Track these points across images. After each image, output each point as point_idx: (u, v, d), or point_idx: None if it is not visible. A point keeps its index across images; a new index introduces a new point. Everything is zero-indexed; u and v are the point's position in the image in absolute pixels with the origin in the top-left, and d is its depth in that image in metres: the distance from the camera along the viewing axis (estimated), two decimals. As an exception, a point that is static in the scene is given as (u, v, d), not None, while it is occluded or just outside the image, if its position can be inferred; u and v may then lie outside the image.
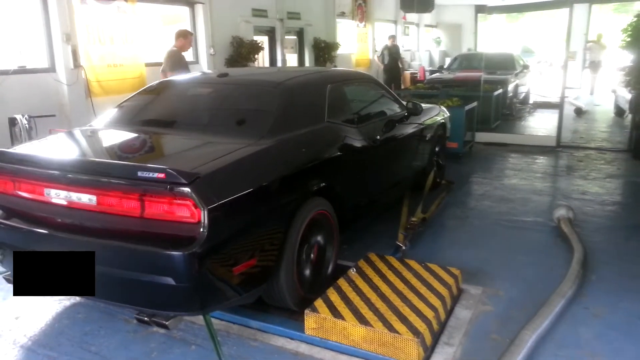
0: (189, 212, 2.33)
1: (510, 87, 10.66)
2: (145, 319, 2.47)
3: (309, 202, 3.08)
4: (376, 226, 4.44)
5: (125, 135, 3.30)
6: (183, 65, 6.02)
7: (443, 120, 5.78)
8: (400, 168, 4.71)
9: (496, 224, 4.67)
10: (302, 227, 2.99)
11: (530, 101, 12.69)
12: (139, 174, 2.39)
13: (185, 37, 6.59)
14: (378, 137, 4.06)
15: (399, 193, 4.83)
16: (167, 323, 2.42)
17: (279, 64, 9.71)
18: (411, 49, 17.15)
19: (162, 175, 2.33)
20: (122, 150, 3.10)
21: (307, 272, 3.17)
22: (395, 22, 15.58)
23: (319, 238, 3.30)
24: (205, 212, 2.30)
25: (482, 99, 8.74)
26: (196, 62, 7.84)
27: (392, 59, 11.03)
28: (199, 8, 7.81)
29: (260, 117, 3.24)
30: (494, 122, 9.11)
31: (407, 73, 15.07)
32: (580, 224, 4.49)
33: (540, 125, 10.20)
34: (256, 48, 8.51)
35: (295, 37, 10.45)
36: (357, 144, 3.77)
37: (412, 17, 16.72)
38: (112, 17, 6.39)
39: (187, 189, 2.31)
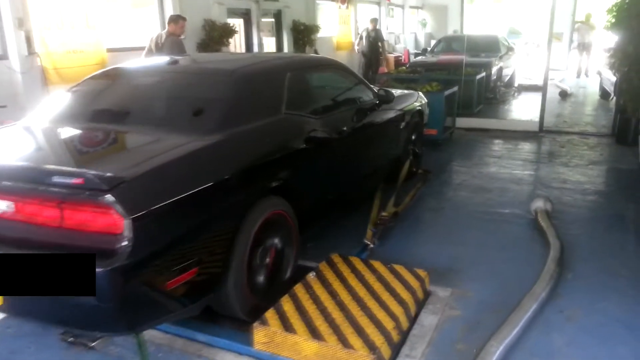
0: (110, 222, 2.06)
1: (494, 70, 10.40)
2: (70, 339, 2.22)
3: (262, 202, 2.83)
4: (348, 220, 4.20)
5: (55, 132, 2.99)
6: (178, 52, 6.03)
7: (420, 107, 5.53)
8: (372, 159, 4.46)
9: (472, 217, 4.45)
10: (254, 230, 2.74)
11: (516, 84, 12.45)
12: (55, 179, 2.12)
13: (176, 22, 6.43)
14: (345, 128, 3.80)
15: (372, 185, 4.59)
16: (92, 345, 2.18)
17: (256, 48, 9.36)
18: (395, 32, 16.77)
19: (79, 181, 2.07)
20: (48, 150, 2.81)
21: (261, 278, 2.93)
22: (378, 3, 15.20)
23: (276, 240, 3.05)
24: (129, 222, 2.04)
25: (463, 83, 8.50)
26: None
27: (373, 44, 10.67)
28: (168, -11, 7.43)
29: (209, 109, 2.95)
30: (476, 107, 8.87)
31: (391, 56, 14.75)
32: (559, 216, 4.29)
33: (524, 109, 9.96)
34: (229, 32, 8.15)
35: (272, 19, 10.07)
36: (321, 136, 3.51)
37: (396, -2, 16.36)
38: None
39: (108, 196, 2.04)
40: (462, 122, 8.06)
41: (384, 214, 4.13)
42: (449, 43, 12.38)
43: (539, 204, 4.22)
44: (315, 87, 3.93)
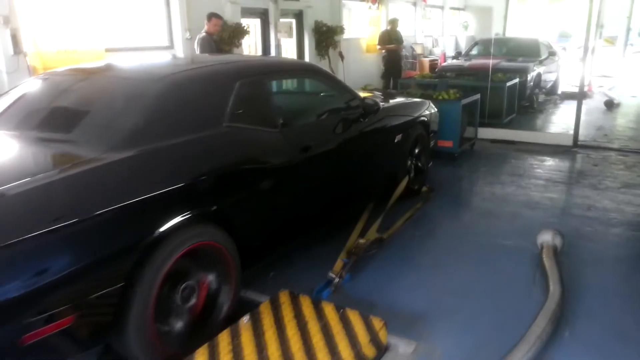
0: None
1: (532, 76, 9.59)
2: None
3: (179, 233, 2.38)
4: (324, 244, 3.71)
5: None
6: (209, 51, 6.13)
7: (424, 118, 4.94)
8: (354, 178, 3.94)
9: (468, 248, 3.86)
10: (164, 268, 2.30)
11: (559, 91, 11.53)
12: None
13: (209, 20, 6.25)
14: (314, 142, 3.31)
15: (355, 206, 4.08)
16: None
17: (272, 50, 8.97)
18: (432, 35, 16.02)
19: None
20: None
21: (180, 323, 2.49)
22: (414, 3, 14.52)
23: (207, 276, 2.61)
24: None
25: (491, 90, 7.81)
26: (170, 46, 7.21)
27: (392, 47, 10.05)
28: (173, -15, 7.13)
29: (121, 120, 2.52)
30: (506, 117, 8.13)
31: (426, 60, 14.08)
32: (572, 252, 3.63)
33: (562, 119, 9.13)
34: (240, 32, 7.78)
35: (290, 20, 9.65)
36: (277, 152, 3.04)
37: (435, -1, 15.62)
38: (68, -4, 5.81)
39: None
40: (487, 132, 7.39)
41: (360, 241, 3.62)
42: (485, 46, 11.58)
43: (546, 238, 3.59)
44: (281, 95, 3.46)
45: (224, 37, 7.57)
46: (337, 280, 3.23)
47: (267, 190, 2.94)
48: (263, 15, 8.88)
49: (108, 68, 3.21)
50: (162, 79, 2.79)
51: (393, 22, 9.82)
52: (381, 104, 4.18)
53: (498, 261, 3.62)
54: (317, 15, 10.02)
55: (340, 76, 10.62)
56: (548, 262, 3.32)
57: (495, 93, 7.93)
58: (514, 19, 17.50)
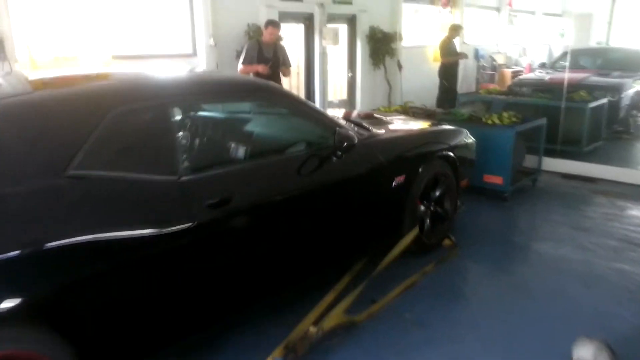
0: None
1: (628, 94, 7.89)
2: None
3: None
4: (274, 321, 2.78)
5: None
6: (252, 59, 5.70)
7: (448, 152, 3.80)
8: (314, 240, 2.89)
9: (471, 350, 2.70)
10: None
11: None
12: None
13: (266, 28, 5.62)
14: (240, 193, 2.37)
15: (320, 271, 3.09)
16: None
17: (317, 59, 8.09)
18: (519, 43, 14.30)
19: None
20: None
21: None
22: (497, 9, 12.98)
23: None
24: None
25: (568, 111, 6.36)
26: (193, 54, 6.57)
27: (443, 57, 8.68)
28: (195, -15, 6.49)
29: None
30: (588, 144, 6.60)
31: (508, 71, 12.49)
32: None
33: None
34: (273, 40, 7.00)
35: (342, 25, 8.67)
36: (169, 211, 2.14)
37: (524, 3, 13.90)
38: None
39: None
40: (559, 164, 5.98)
41: (311, 329, 2.61)
42: (576, 57, 9.89)
43: (583, 354, 2.35)
44: (199, 127, 2.56)
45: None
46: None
47: (139, 272, 2.05)
48: (307, 21, 8.03)
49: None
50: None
51: (453, 29, 8.51)
52: (370, 132, 3.16)
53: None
54: (374, 21, 9.00)
55: (396, 88, 9.52)
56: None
57: (574, 115, 6.46)
58: (621, 26, 15.23)
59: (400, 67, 9.50)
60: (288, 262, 2.74)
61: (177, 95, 2.40)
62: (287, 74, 6.32)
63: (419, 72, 9.85)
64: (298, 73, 8.14)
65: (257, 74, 5.87)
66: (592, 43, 14.36)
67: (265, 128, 2.91)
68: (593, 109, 6.52)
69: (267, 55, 5.88)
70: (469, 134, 4.22)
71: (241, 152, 2.53)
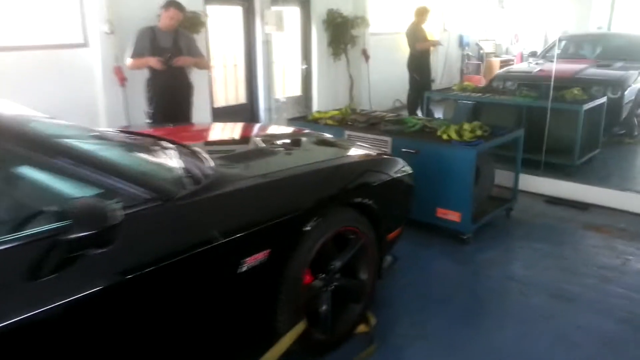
0: None
1: (634, 90, 6.53)
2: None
3: None
4: None
5: None
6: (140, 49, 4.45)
7: (365, 200, 2.50)
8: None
9: None
10: None
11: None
12: None
13: (166, 9, 4.57)
14: None
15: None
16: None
17: (259, 47, 6.72)
18: (511, 29, 12.88)
19: None
20: None
21: None
22: (486, -10, 11.57)
23: None
24: None
25: (556, 115, 5.04)
26: (85, 44, 5.22)
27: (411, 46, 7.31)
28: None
29: None
30: (581, 156, 5.27)
31: (496, 61, 11.13)
32: None
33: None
34: (195, 23, 5.64)
35: (293, 8, 7.27)
36: None
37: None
38: None
39: None
40: (543, 185, 4.70)
41: None
42: (572, 44, 8.57)
43: None
44: None
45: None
46: None
47: None
48: (246, 3, 6.65)
49: None
50: None
51: (420, 14, 7.10)
52: (205, 179, 1.86)
53: None
54: (332, 3, 7.61)
55: (361, 82, 8.17)
56: None
57: (564, 119, 5.14)
58: (625, 9, 13.78)
59: (366, 57, 8.15)
60: None
61: None
62: (202, 65, 4.97)
63: (390, 63, 8.45)
64: (236, 65, 6.78)
65: (152, 70, 4.56)
66: (592, 28, 12.95)
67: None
68: (589, 111, 5.18)
69: (164, 45, 4.54)
70: (404, 165, 2.91)
71: None
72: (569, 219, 4.16)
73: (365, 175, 2.61)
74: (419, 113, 7.04)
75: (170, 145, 2.32)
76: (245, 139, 3.18)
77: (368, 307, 2.66)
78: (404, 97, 7.91)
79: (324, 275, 2.40)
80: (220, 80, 6.64)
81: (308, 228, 2.19)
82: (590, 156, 5.49)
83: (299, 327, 2.24)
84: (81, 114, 4.93)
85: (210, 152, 2.33)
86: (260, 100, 6.93)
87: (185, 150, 2.31)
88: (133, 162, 1.98)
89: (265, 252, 2.00)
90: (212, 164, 2.15)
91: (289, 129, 3.49)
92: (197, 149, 2.34)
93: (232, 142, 3.19)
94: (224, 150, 2.75)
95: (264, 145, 2.66)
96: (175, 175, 1.95)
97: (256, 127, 3.74)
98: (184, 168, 2.02)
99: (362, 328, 2.62)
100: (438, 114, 6.88)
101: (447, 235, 3.69)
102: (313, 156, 2.70)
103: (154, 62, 4.38)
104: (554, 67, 5.82)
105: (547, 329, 2.65)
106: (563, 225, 4.05)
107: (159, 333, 1.76)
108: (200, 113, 5.95)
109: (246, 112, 6.92)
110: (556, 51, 6.46)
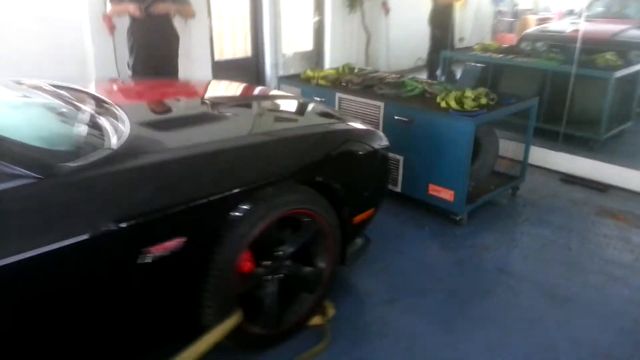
0: None
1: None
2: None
3: None
4: None
5: None
6: None
7: (326, 180, 2.15)
8: None
9: None
10: None
11: None
12: None
13: None
14: None
15: None
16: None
17: (266, 5, 6.22)
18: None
19: None
20: None
21: None
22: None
23: None
24: None
25: (581, 81, 4.50)
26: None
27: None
28: None
29: None
30: (610, 128, 4.72)
31: (532, 18, 10.24)
32: None
33: None
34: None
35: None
36: None
37: None
38: None
39: None
40: (560, 160, 4.21)
41: None
42: (615, 2, 7.70)
43: None
44: None
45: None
46: None
47: None
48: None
49: None
50: None
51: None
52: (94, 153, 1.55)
53: None
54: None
55: (379, 37, 7.61)
56: None
57: (592, 87, 4.59)
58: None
59: (387, 10, 7.55)
60: None
61: None
62: (187, 13, 4.49)
63: (413, 18, 7.81)
64: (244, 16, 6.33)
65: (132, 18, 4.18)
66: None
67: None
68: (621, 79, 4.58)
69: None
70: (378, 138, 2.52)
71: None
72: (584, 202, 3.70)
73: (324, 149, 2.24)
74: (438, 74, 6.50)
75: (86, 107, 1.99)
76: (200, 100, 2.81)
77: (325, 298, 2.35)
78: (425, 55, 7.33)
79: (269, 263, 2.09)
80: (226, 32, 6.22)
81: (238, 213, 1.86)
82: (619, 129, 4.93)
83: (233, 320, 1.95)
84: (66, 60, 4.66)
85: (140, 117, 2.00)
86: (267, 55, 6.50)
87: (105, 112, 1.98)
88: (10, 128, 1.66)
89: (179, 239, 1.68)
90: (127, 130, 1.82)
91: (264, 90, 3.11)
92: (120, 112, 2.00)
93: (180, 104, 2.77)
94: (159, 113, 2.39)
95: (209, 109, 2.30)
96: (68, 145, 1.63)
97: (232, 87, 3.35)
98: (84, 135, 1.70)
99: (317, 320, 2.32)
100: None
101: (440, 215, 3.32)
102: (261, 125, 2.34)
103: (132, 8, 4.01)
104: (586, 27, 5.18)
105: (529, 336, 2.29)
106: (575, 209, 3.60)
107: (37, 332, 1.49)
108: (200, 66, 5.60)
109: (251, 67, 6.51)
110: (596, 9, 5.72)
